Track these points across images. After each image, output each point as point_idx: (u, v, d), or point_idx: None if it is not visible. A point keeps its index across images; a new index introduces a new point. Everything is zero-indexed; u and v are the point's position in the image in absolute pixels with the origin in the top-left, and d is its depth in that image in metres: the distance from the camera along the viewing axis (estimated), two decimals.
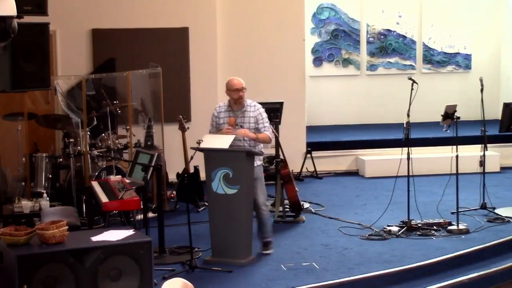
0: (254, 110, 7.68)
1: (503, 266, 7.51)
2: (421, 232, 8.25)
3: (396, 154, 9.34)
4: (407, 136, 8.31)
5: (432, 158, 11.45)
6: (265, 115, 7.73)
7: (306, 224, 8.94)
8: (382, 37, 13.92)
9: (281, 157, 9.17)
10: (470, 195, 9.63)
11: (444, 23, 14.06)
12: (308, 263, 7.38)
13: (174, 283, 3.74)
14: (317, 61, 13.79)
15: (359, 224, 8.74)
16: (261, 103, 9.39)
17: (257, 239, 7.74)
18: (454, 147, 8.54)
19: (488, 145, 9.45)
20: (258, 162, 7.67)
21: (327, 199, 10.18)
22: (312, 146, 11.91)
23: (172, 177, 10.37)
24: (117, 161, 9.19)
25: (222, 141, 7.43)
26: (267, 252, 7.67)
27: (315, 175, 11.74)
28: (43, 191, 8.73)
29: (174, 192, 9.82)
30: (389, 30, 13.93)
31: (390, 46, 13.95)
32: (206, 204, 8.87)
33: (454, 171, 8.54)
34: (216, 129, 7.70)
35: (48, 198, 8.41)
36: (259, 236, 7.77)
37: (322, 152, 12.06)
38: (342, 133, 12.93)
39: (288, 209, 9.11)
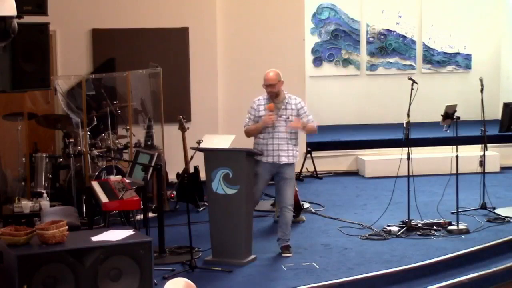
0: (296, 102, 7.69)
1: (503, 266, 7.51)
2: (421, 232, 8.25)
3: (396, 154, 9.35)
4: (407, 136, 8.31)
5: (432, 158, 11.45)
6: (306, 108, 7.74)
7: (306, 224, 8.94)
8: (382, 37, 13.92)
9: None
10: (470, 195, 9.63)
11: (444, 23, 14.06)
12: (308, 263, 7.38)
13: (177, 283, 3.73)
14: (317, 61, 13.80)
15: (359, 224, 8.74)
16: None
17: (272, 240, 7.73)
18: (454, 147, 8.54)
19: (488, 145, 9.45)
20: (294, 160, 7.65)
21: (327, 199, 10.18)
22: (312, 146, 11.91)
23: (172, 177, 10.36)
24: (117, 161, 9.19)
25: (222, 141, 7.43)
26: (288, 255, 7.62)
27: (315, 175, 11.74)
28: (43, 191, 8.73)
29: (174, 192, 9.82)
30: (389, 30, 13.93)
31: (390, 46, 13.95)
32: (206, 204, 8.87)
33: (454, 171, 8.54)
34: (255, 122, 7.64)
35: (48, 198, 8.41)
36: (279, 237, 7.70)
37: (322, 152, 12.06)
38: (342, 133, 12.93)
39: None
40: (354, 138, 12.47)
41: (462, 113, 8.74)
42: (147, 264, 6.08)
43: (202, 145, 7.46)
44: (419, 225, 8.38)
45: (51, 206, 8.26)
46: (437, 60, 14.10)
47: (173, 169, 10.23)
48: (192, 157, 7.48)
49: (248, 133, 7.69)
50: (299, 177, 11.50)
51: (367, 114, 13.84)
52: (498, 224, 8.62)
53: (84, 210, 8.84)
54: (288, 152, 7.62)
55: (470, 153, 10.83)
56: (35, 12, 5.60)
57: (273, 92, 7.61)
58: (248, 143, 8.05)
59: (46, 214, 7.61)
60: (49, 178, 9.22)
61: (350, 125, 13.70)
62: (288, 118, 7.60)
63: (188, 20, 11.32)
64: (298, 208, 9.06)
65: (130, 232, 6.37)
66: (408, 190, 8.38)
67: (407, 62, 14.00)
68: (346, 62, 13.87)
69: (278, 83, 7.61)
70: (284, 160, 7.60)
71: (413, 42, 14.01)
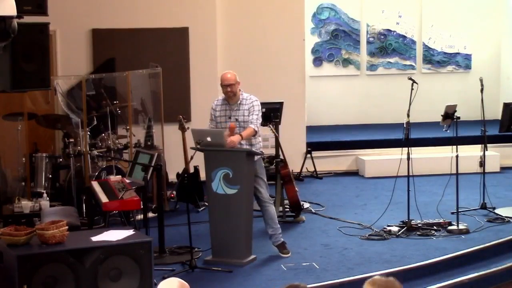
0: (249, 102, 7.69)
1: (503, 266, 7.52)
2: (421, 232, 8.25)
3: (396, 154, 9.34)
4: (407, 136, 8.31)
5: (432, 158, 11.45)
6: (257, 108, 7.68)
7: (306, 224, 8.94)
8: (382, 37, 13.92)
9: (281, 157, 9.17)
10: (470, 195, 9.63)
11: (444, 23, 14.05)
12: (308, 263, 7.39)
13: (171, 283, 3.75)
14: (317, 61, 13.79)
15: (359, 224, 8.74)
16: (261, 103, 9.39)
17: (266, 240, 7.72)
18: (454, 147, 8.54)
19: (488, 145, 9.45)
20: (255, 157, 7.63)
21: (327, 199, 10.17)
22: (312, 146, 11.91)
23: (172, 177, 10.37)
24: (117, 161, 9.19)
25: (215, 137, 7.41)
26: (287, 255, 7.61)
27: (315, 175, 11.74)
28: (43, 191, 8.74)
29: (174, 192, 9.82)
30: (389, 30, 13.93)
31: (390, 46, 13.94)
32: (206, 204, 8.87)
33: (454, 171, 8.54)
34: (215, 122, 7.71)
35: (48, 198, 8.41)
36: (270, 234, 7.69)
37: (322, 152, 12.06)
38: (342, 133, 12.93)
39: (288, 209, 9.11)
40: (354, 138, 12.47)
41: (462, 113, 8.74)
42: (147, 264, 6.08)
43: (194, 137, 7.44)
44: (419, 225, 8.38)
45: (51, 206, 8.27)
46: (437, 60, 14.10)
47: (173, 169, 10.23)
48: (192, 157, 7.47)
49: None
50: (299, 177, 11.50)
51: (367, 114, 13.83)
52: (498, 224, 8.62)
53: (84, 210, 8.84)
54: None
55: (470, 153, 10.82)
56: (35, 12, 5.60)
57: (232, 92, 7.63)
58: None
59: (46, 214, 7.61)
60: (49, 178, 9.23)
61: (350, 125, 13.69)
62: (238, 119, 7.60)
63: (188, 20, 11.32)
64: (298, 208, 9.06)
65: (130, 232, 6.37)
66: (408, 190, 8.38)
67: (407, 62, 13.99)
68: (346, 62, 13.86)
69: (235, 83, 7.62)
70: None
71: (413, 42, 14.01)
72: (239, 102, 7.67)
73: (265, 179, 7.77)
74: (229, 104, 7.69)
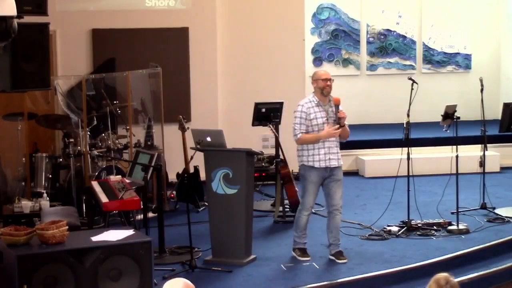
0: (332, 104, 7.60)
1: (503, 266, 7.51)
2: (421, 232, 8.25)
3: (396, 154, 9.34)
4: (407, 136, 8.31)
5: (432, 158, 11.44)
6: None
7: None
8: (382, 37, 13.92)
9: (281, 157, 9.17)
10: (470, 195, 9.63)
11: (444, 23, 14.05)
12: (308, 263, 7.39)
13: (176, 283, 3.74)
14: (317, 61, 13.79)
15: (359, 224, 8.74)
16: (261, 103, 9.41)
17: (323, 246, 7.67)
18: (454, 147, 8.54)
19: (488, 145, 9.45)
20: (342, 161, 7.61)
21: None
22: None
23: (172, 177, 10.36)
24: (117, 161, 9.19)
25: (215, 137, 7.44)
26: (344, 261, 7.43)
27: None
28: (43, 191, 8.74)
29: (174, 192, 9.82)
30: (389, 30, 13.93)
31: (390, 46, 13.94)
32: (206, 204, 8.87)
33: (454, 171, 8.54)
34: (307, 126, 7.48)
35: (48, 198, 8.41)
36: (332, 242, 7.53)
37: None
38: None
39: (288, 209, 9.11)
40: (354, 138, 12.42)
41: (462, 113, 8.74)
42: (147, 264, 6.08)
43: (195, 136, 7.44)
44: (419, 225, 8.38)
45: (51, 206, 8.27)
46: (437, 60, 14.10)
47: (173, 169, 10.23)
48: (192, 157, 7.48)
49: (303, 142, 7.55)
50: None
51: (367, 114, 13.82)
52: (498, 224, 8.62)
53: (84, 210, 8.84)
54: (338, 155, 7.58)
55: (470, 153, 10.82)
56: (35, 12, 5.60)
57: (330, 87, 7.48)
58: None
59: (46, 214, 7.61)
60: (49, 178, 9.23)
61: (350, 125, 13.55)
62: (334, 119, 7.54)
63: (188, 20, 11.32)
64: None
65: (130, 232, 6.38)
66: (408, 190, 8.38)
67: (407, 62, 13.99)
68: (346, 62, 13.86)
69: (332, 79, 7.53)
70: (334, 163, 7.52)
71: (413, 42, 14.00)
72: (330, 103, 7.56)
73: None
74: (321, 104, 7.52)
